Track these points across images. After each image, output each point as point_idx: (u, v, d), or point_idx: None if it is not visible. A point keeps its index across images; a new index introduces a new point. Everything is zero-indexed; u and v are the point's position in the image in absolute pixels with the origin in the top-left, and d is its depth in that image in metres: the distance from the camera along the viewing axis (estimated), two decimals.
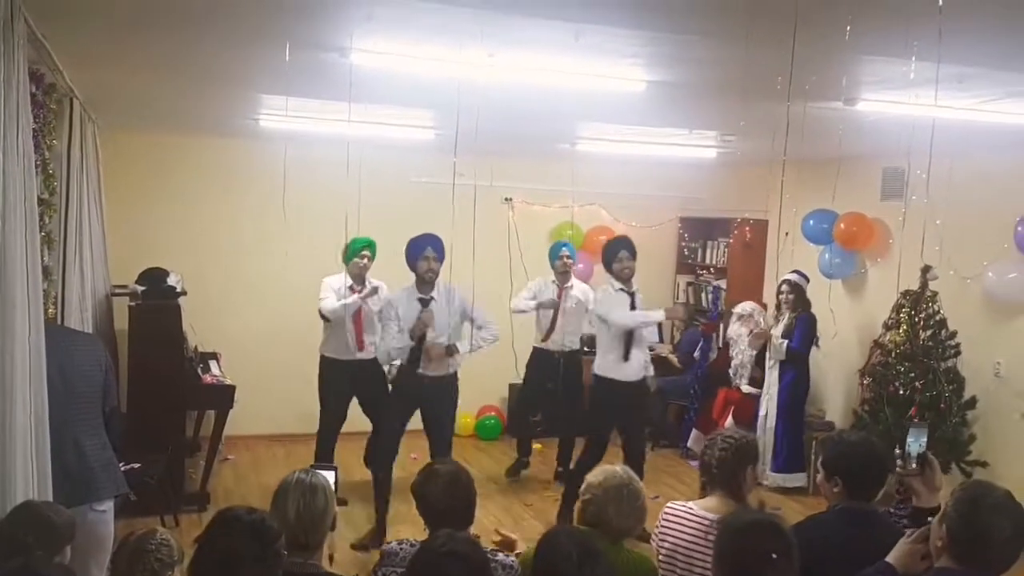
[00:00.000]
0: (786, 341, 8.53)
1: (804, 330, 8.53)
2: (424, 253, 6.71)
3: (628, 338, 7.19)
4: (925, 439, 3.18)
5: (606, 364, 7.27)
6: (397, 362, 7.00)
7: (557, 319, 8.55)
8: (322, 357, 7.86)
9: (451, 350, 6.81)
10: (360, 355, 7.72)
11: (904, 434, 3.20)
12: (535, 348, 8.78)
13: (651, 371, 7.55)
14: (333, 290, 7.62)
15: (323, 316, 7.69)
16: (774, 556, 2.77)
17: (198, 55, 5.22)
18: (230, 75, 5.93)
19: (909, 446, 3.17)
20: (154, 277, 7.70)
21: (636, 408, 7.40)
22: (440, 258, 6.74)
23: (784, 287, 8.67)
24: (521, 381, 9.10)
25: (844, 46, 3.98)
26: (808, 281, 8.74)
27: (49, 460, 3.87)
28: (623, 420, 7.39)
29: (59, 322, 5.56)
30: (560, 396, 8.54)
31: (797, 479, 8.59)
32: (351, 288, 7.56)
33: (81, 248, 6.15)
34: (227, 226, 9.54)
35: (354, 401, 7.94)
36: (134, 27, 4.54)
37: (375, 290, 7.62)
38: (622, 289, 7.26)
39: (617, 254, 7.25)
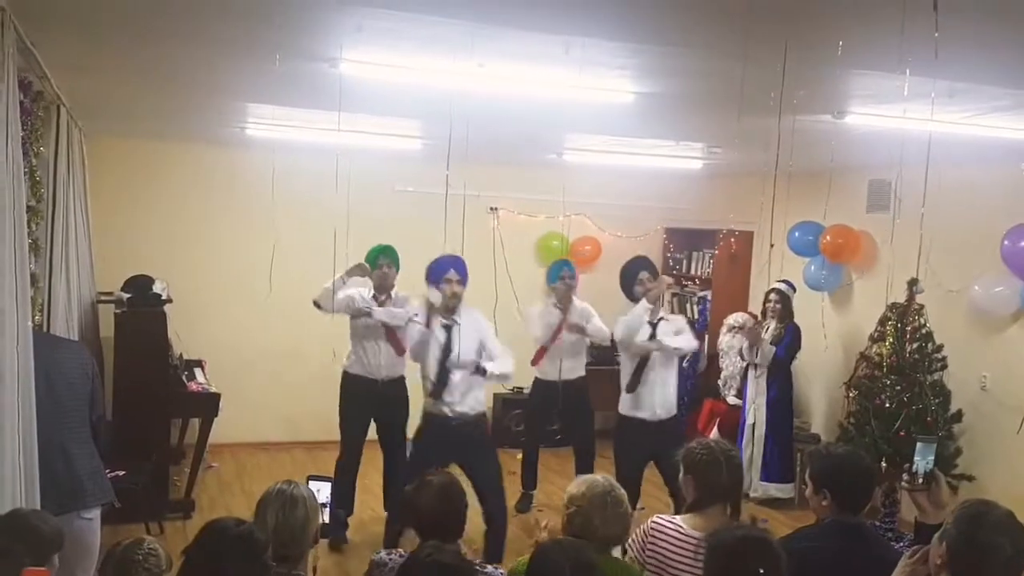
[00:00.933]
0: (773, 347, 8.49)
1: (791, 339, 8.52)
2: (447, 276, 6.14)
3: (644, 368, 6.64)
4: (933, 456, 3.14)
5: (627, 399, 6.76)
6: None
7: (550, 347, 7.83)
8: (345, 374, 7.31)
9: (479, 367, 6.08)
10: (385, 375, 7.12)
11: (900, 449, 3.19)
12: (536, 379, 8.13)
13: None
14: (354, 289, 7.09)
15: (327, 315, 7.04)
16: (761, 572, 2.77)
17: (187, 64, 5.21)
18: (218, 84, 5.92)
19: (916, 463, 3.13)
20: (140, 284, 7.68)
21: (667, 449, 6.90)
22: (463, 281, 6.19)
23: (772, 296, 8.63)
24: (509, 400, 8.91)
25: (835, 60, 3.99)
26: (795, 291, 8.73)
27: (37, 468, 3.86)
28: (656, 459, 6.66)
29: (45, 329, 5.52)
30: (568, 423, 8.18)
31: (786, 490, 8.56)
32: (374, 298, 7.10)
33: (67, 255, 6.12)
34: (213, 234, 9.50)
35: None
36: (123, 35, 4.53)
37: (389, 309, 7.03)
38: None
39: (637, 276, 6.90)
